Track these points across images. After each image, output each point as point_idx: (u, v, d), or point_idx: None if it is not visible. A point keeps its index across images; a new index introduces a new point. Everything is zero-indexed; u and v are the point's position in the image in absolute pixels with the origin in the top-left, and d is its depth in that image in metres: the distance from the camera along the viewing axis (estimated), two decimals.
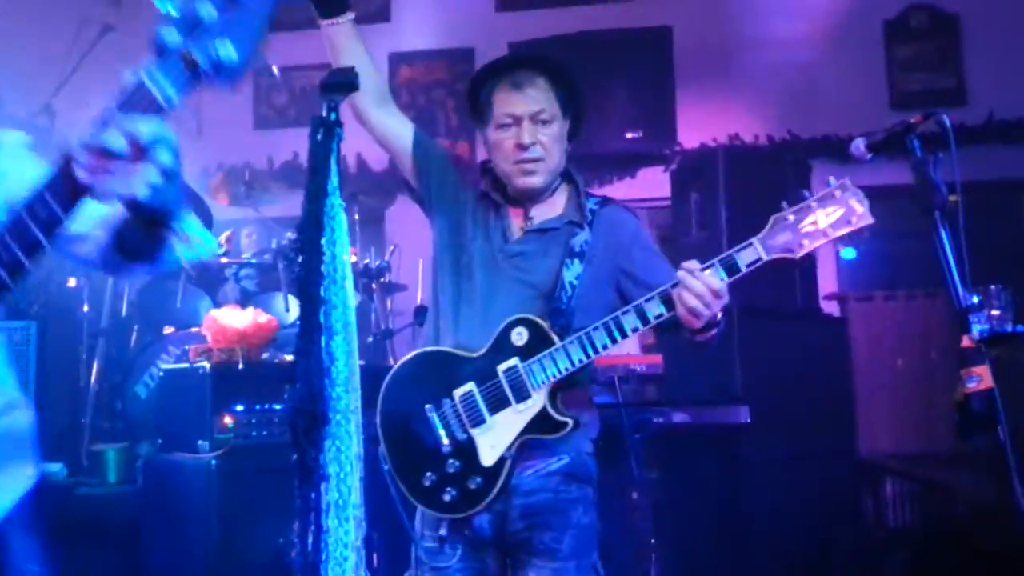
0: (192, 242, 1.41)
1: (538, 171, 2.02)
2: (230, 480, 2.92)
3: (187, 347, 3.43)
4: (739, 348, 3.60)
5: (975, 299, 1.80)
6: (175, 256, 1.44)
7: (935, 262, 1.85)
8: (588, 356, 1.90)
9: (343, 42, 2.03)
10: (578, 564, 1.97)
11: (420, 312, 4.29)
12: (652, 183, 5.53)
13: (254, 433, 3.07)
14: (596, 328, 1.89)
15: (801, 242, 1.84)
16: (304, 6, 2.00)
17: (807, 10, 5.87)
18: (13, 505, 1.44)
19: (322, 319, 1.31)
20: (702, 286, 1.79)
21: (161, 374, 3.45)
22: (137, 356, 4.03)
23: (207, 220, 4.39)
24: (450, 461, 1.93)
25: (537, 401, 1.91)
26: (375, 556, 2.93)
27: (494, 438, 1.92)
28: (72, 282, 4.40)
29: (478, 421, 1.93)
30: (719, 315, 1.85)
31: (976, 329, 1.91)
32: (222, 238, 4.42)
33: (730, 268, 1.84)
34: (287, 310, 4.13)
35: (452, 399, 1.94)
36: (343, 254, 1.35)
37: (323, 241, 1.33)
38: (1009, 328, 3.21)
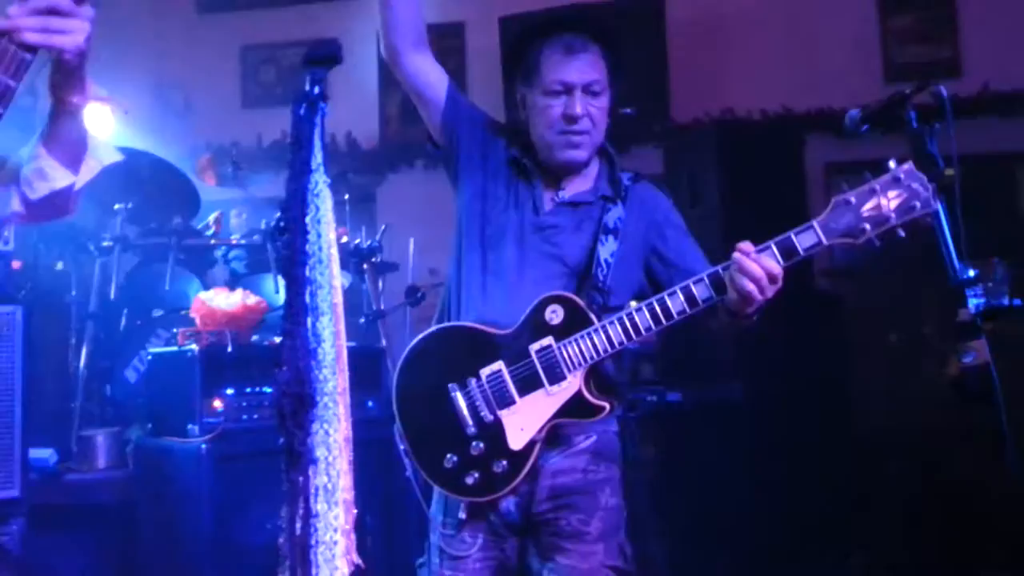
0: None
1: (583, 144, 1.92)
2: (221, 464, 2.89)
3: (175, 330, 3.39)
4: None
5: (971, 273, 1.77)
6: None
7: (931, 235, 1.83)
8: (629, 339, 1.80)
9: None
10: (606, 546, 1.91)
11: (411, 292, 4.25)
12: (644, 159, 5.48)
13: (244, 417, 3.03)
14: (639, 309, 1.79)
15: (863, 227, 1.73)
16: None
17: None
18: None
19: (308, 300, 1.26)
20: (760, 270, 1.69)
21: (150, 358, 3.41)
22: (126, 340, 3.97)
23: (194, 203, 4.34)
24: (474, 443, 1.83)
25: (572, 383, 1.82)
26: (368, 540, 2.91)
27: (523, 421, 1.82)
28: (59, 265, 4.34)
29: (507, 402, 1.83)
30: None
31: (972, 303, 1.88)
32: (211, 219, 4.36)
33: (787, 252, 1.73)
34: (277, 291, 4.08)
35: (479, 378, 1.84)
36: (328, 233, 1.30)
37: (307, 220, 1.28)
38: (1005, 302, 3.20)
